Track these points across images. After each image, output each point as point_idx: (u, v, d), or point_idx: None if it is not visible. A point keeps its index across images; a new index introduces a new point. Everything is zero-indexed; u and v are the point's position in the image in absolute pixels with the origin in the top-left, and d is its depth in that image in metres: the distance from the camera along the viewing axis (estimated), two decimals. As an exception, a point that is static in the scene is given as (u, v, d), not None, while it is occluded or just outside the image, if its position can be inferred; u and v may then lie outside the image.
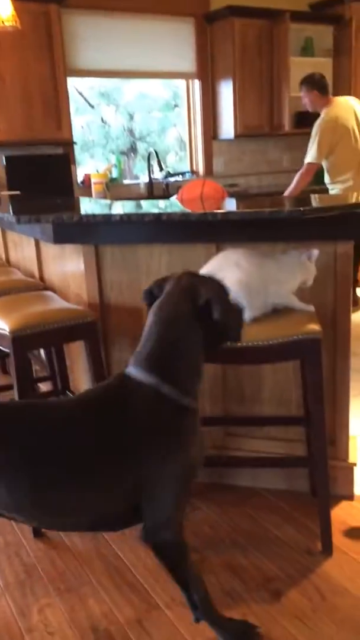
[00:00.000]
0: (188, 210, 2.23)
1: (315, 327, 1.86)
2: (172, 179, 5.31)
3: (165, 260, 2.32)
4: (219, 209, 2.29)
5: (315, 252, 1.94)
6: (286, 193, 4.44)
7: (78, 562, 2.01)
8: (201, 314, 1.47)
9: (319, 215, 2.01)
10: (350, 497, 2.28)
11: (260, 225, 2.11)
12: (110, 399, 1.48)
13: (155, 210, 2.28)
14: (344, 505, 2.24)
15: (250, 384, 2.37)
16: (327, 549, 1.98)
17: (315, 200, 2.36)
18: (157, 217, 2.16)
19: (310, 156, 4.27)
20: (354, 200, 2.15)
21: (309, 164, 4.30)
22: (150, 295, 1.56)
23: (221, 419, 2.41)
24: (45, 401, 1.49)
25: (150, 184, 5.22)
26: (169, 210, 2.25)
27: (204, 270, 1.95)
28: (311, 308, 1.99)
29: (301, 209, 2.02)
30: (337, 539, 2.04)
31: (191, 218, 2.13)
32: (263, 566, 1.94)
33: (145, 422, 1.42)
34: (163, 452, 1.43)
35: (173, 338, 1.47)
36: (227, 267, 1.91)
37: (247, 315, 1.91)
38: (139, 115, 6.51)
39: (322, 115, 4.28)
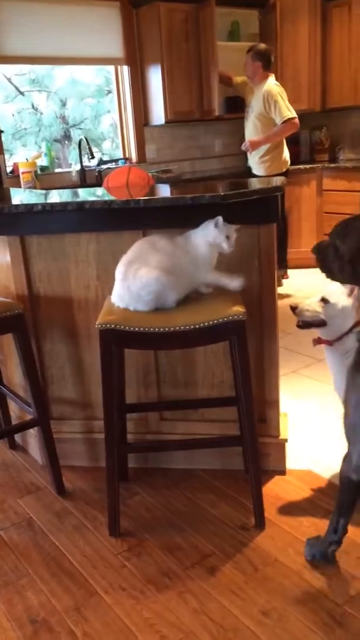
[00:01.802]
0: (112, 197, 2.23)
1: (239, 308, 1.90)
2: (105, 167, 5.25)
3: (93, 249, 2.32)
4: (145, 195, 2.29)
5: (219, 219, 1.95)
6: (255, 140, 4.62)
7: (15, 555, 2.00)
8: None
9: (239, 200, 2.05)
10: (282, 471, 2.36)
11: (184, 211, 2.13)
12: None
13: (78, 199, 2.26)
14: (276, 480, 2.32)
15: (183, 368, 2.41)
16: (260, 523, 2.05)
17: (237, 185, 2.40)
18: (80, 205, 2.16)
19: (286, 113, 4.44)
20: (273, 184, 2.20)
21: (287, 120, 4.45)
22: None
23: (155, 404, 2.44)
24: None
25: (83, 171, 5.15)
26: (92, 198, 2.24)
27: (125, 259, 1.96)
28: (237, 283, 2.00)
29: (222, 193, 2.05)
30: (270, 512, 2.11)
31: (114, 205, 2.13)
32: (199, 544, 1.99)
33: None
34: None
35: None
36: (146, 252, 1.93)
37: (174, 297, 1.95)
38: (71, 101, 6.39)
39: (268, 84, 4.51)
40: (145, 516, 2.17)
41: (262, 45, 4.62)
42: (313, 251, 1.77)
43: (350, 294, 2.04)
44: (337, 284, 2.03)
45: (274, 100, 4.45)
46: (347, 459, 1.75)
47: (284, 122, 4.47)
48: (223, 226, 1.94)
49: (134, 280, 1.89)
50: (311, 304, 2.10)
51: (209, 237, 1.95)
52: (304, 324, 2.14)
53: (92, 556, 1.97)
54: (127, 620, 1.71)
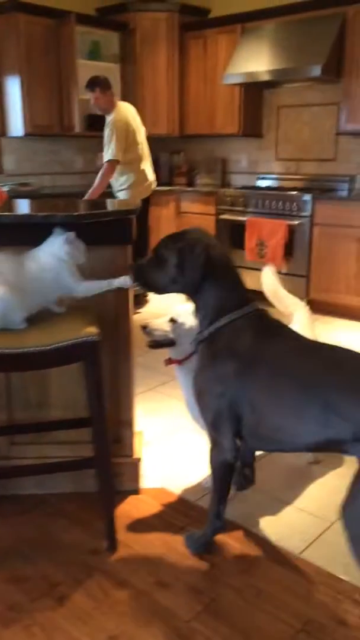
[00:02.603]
0: None
1: (92, 329, 1.89)
2: None
3: None
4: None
5: (70, 235, 1.94)
6: (88, 194, 4.50)
7: None
8: None
9: (92, 220, 2.05)
10: (136, 491, 2.37)
11: (36, 229, 2.08)
12: None
13: None
14: (130, 500, 2.32)
15: (35, 389, 2.33)
16: (112, 546, 2.03)
17: (93, 205, 2.40)
18: None
19: (110, 154, 4.41)
20: (126, 207, 2.23)
21: (110, 161, 4.42)
22: None
23: (5, 428, 2.33)
24: None
25: None
26: None
27: None
28: (120, 280, 2.03)
29: (75, 213, 2.04)
30: (123, 534, 2.11)
31: None
32: (48, 573, 1.92)
33: None
34: None
35: None
36: None
37: (22, 315, 1.88)
38: None
39: (114, 115, 4.46)
40: (-9, 548, 2.05)
41: (97, 76, 4.52)
42: (131, 269, 1.98)
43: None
44: (187, 305, 2.10)
45: (114, 133, 4.38)
46: (217, 447, 1.88)
47: (109, 161, 4.42)
48: (75, 240, 1.92)
49: (-23, 301, 1.80)
50: (160, 324, 2.15)
51: (62, 254, 1.91)
52: (155, 344, 2.18)
53: None
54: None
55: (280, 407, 1.70)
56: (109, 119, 4.48)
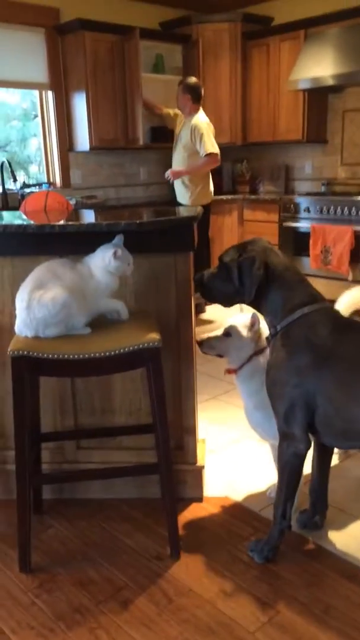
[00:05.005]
0: (29, 222, 2.19)
1: (154, 335, 1.91)
2: (28, 190, 5.17)
3: (7, 273, 2.26)
4: (63, 221, 2.27)
5: (118, 250, 1.96)
6: (183, 167, 4.70)
7: None
8: None
9: (153, 228, 2.07)
10: (199, 499, 2.35)
11: (100, 237, 2.12)
12: None
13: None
14: (193, 507, 2.31)
15: (100, 395, 2.37)
16: (175, 552, 2.02)
17: (154, 214, 2.43)
18: (-6, 229, 2.10)
19: (209, 147, 4.54)
20: (186, 214, 2.24)
21: (211, 154, 4.55)
22: None
23: (72, 433, 2.38)
24: None
25: (4, 195, 5.05)
26: (6, 222, 2.19)
27: (26, 287, 1.91)
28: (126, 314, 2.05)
29: (137, 221, 2.06)
30: (186, 541, 2.10)
31: (29, 230, 2.10)
32: (113, 577, 1.94)
33: None
34: None
35: None
36: (47, 279, 1.92)
37: (82, 319, 1.93)
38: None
39: (197, 118, 4.62)
40: (58, 550, 2.09)
41: (192, 79, 4.72)
42: (196, 281, 2.05)
43: (250, 328, 2.15)
44: (241, 316, 2.17)
45: (200, 134, 4.55)
46: (287, 439, 1.86)
47: (206, 156, 4.58)
48: (122, 254, 1.96)
49: (39, 306, 1.86)
50: (216, 337, 2.18)
51: (111, 268, 1.96)
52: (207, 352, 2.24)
53: (-1, 595, 1.87)
54: (34, 661, 1.63)
55: (358, 399, 1.71)
56: (191, 122, 4.60)
